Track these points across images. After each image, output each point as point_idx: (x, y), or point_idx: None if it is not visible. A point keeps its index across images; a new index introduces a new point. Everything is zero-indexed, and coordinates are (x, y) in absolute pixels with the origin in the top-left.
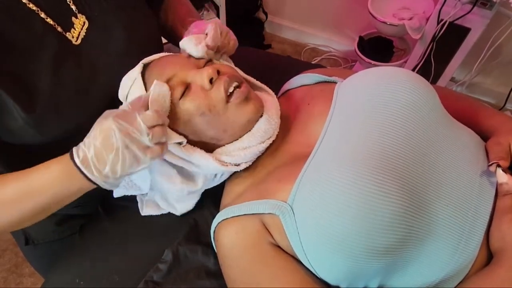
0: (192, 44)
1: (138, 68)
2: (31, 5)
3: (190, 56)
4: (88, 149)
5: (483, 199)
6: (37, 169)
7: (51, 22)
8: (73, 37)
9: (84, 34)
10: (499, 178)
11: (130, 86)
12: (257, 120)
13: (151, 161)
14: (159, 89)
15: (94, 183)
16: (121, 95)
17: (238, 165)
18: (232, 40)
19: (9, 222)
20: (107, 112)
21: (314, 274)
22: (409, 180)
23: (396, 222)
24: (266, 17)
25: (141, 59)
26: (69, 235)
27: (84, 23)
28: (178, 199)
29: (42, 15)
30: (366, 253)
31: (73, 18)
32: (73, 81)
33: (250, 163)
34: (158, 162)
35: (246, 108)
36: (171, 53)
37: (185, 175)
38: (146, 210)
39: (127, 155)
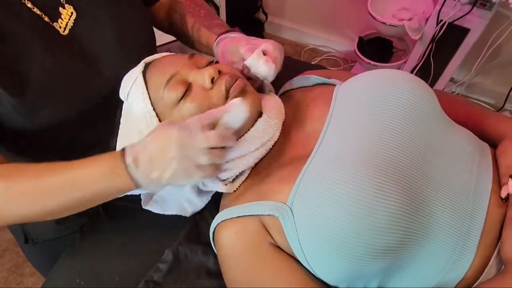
0: (266, 67)
1: (139, 67)
2: None
3: (192, 56)
4: (142, 150)
5: (479, 201)
6: (84, 163)
7: (38, 12)
8: (60, 27)
9: (72, 24)
10: (511, 188)
11: (131, 85)
12: (254, 118)
13: (201, 180)
14: (236, 110)
15: (136, 185)
16: (122, 93)
17: (243, 172)
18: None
19: (43, 211)
20: (168, 121)
21: (313, 275)
22: (408, 181)
23: (395, 224)
24: (266, 18)
25: (130, 51)
26: (69, 234)
27: (71, 13)
28: (189, 203)
29: (29, 4)
30: (365, 255)
31: (61, 9)
32: (63, 70)
33: (253, 165)
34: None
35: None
36: (173, 53)
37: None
38: (150, 207)
39: (179, 167)
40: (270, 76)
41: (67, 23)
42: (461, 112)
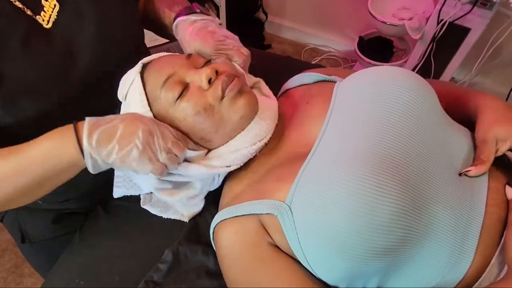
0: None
1: (137, 67)
2: None
3: (189, 56)
4: (105, 122)
5: (476, 200)
6: (39, 139)
7: (20, 5)
8: (43, 20)
9: (55, 17)
10: (508, 194)
11: (129, 85)
12: (250, 118)
13: (146, 172)
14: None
15: (82, 154)
16: (120, 94)
17: (229, 166)
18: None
19: (5, 196)
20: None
21: (312, 274)
22: (408, 180)
23: (396, 223)
24: (266, 17)
25: (110, 44)
26: (66, 233)
27: (54, 5)
28: (183, 207)
29: None
30: (365, 254)
31: (43, 1)
32: (45, 63)
33: (241, 164)
34: (155, 182)
35: (239, 103)
36: (170, 53)
37: (181, 184)
38: (150, 208)
39: (138, 151)
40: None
41: (50, 15)
42: (449, 97)
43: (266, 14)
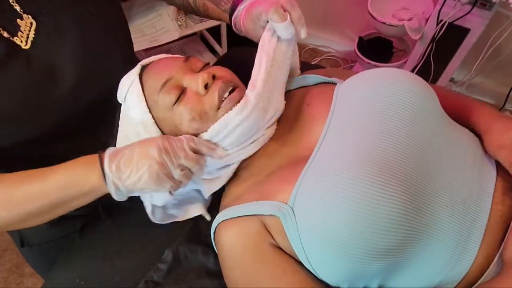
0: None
1: (136, 69)
2: None
3: (187, 58)
4: (123, 149)
5: (482, 200)
6: (62, 165)
7: None
8: (21, 41)
9: (33, 36)
10: None
11: (128, 87)
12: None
13: (167, 190)
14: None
15: (105, 180)
16: (119, 96)
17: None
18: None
19: (23, 217)
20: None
21: (314, 275)
22: (409, 181)
23: (397, 223)
24: None
25: (95, 57)
26: (64, 236)
27: (31, 24)
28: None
29: None
30: (367, 254)
31: (18, 20)
32: (25, 90)
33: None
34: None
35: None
36: (169, 55)
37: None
38: (157, 218)
39: (154, 171)
40: (288, 33)
41: (27, 35)
42: (452, 106)
43: None
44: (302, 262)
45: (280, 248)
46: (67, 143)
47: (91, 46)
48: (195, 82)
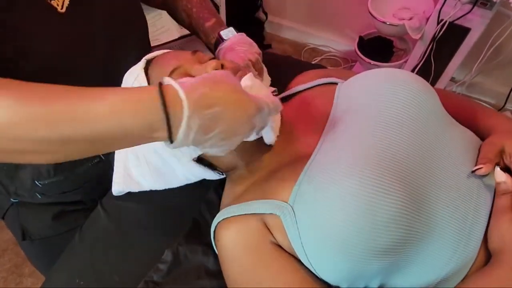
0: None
1: (141, 63)
2: None
3: (194, 52)
4: (213, 107)
5: (482, 200)
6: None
7: None
8: (58, 4)
9: (68, 2)
10: (497, 177)
11: (133, 81)
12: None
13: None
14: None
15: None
16: None
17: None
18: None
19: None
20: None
21: (314, 274)
22: (410, 180)
23: (397, 222)
24: (266, 17)
25: (121, 32)
26: (66, 231)
27: None
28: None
29: None
30: (367, 253)
31: None
32: (67, 42)
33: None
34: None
35: None
36: (174, 50)
37: None
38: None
39: (242, 136)
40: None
41: (63, 1)
42: (456, 108)
43: (266, 14)
44: (302, 261)
45: (281, 247)
46: None
47: (119, 16)
48: (204, 70)
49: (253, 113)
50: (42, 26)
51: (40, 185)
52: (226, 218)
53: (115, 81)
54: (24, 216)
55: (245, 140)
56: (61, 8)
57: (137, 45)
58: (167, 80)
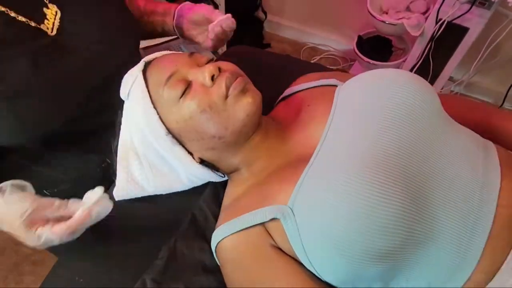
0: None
1: (139, 65)
2: None
3: (191, 54)
4: None
5: (485, 200)
6: None
7: (23, 19)
8: (48, 28)
9: (58, 24)
10: None
11: (132, 83)
12: (256, 115)
13: None
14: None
15: None
16: (122, 93)
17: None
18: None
19: None
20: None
21: (316, 276)
22: (410, 182)
23: (397, 225)
24: (266, 16)
25: (116, 45)
26: None
27: (56, 12)
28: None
29: (13, 14)
30: (366, 256)
31: (44, 9)
32: (56, 72)
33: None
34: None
35: (243, 100)
36: (172, 52)
37: None
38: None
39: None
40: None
41: (53, 23)
42: (463, 110)
43: (265, 13)
44: (303, 262)
45: (281, 250)
46: (79, 124)
47: (111, 32)
48: (201, 74)
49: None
50: (34, 61)
51: (48, 194)
52: (226, 236)
53: (114, 89)
54: None
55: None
56: (51, 32)
57: (129, 58)
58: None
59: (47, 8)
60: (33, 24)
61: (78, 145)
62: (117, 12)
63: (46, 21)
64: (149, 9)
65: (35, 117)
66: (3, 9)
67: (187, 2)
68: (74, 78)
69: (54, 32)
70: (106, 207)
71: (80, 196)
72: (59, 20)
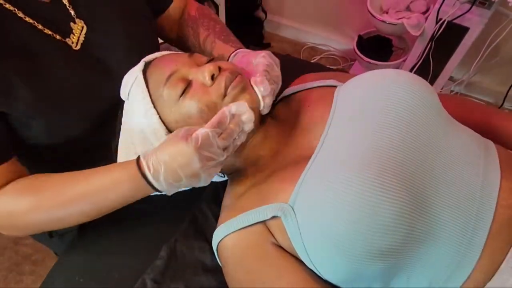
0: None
1: (139, 66)
2: (27, 19)
3: (191, 54)
4: (160, 166)
5: (486, 200)
6: (97, 172)
7: (49, 32)
8: (72, 42)
9: (83, 39)
10: None
11: (132, 84)
12: (257, 115)
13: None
14: (237, 109)
15: (158, 191)
16: (123, 93)
17: None
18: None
19: (76, 219)
20: (183, 131)
21: (316, 274)
22: (411, 181)
23: (397, 224)
24: (266, 16)
25: (139, 58)
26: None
27: (82, 27)
28: None
29: (40, 27)
30: (367, 255)
31: (72, 24)
32: (75, 85)
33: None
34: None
35: (242, 99)
36: (173, 52)
37: None
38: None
39: (202, 177)
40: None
41: (78, 37)
42: (464, 110)
43: (265, 12)
44: (304, 261)
45: (282, 248)
46: (103, 133)
47: (137, 47)
48: (201, 74)
49: (191, 153)
50: (58, 67)
51: None
52: (228, 234)
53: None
54: None
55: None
56: (76, 46)
57: None
58: (142, 157)
59: (74, 23)
60: (58, 37)
61: (93, 153)
62: (144, 26)
63: (72, 35)
64: (208, 51)
65: (60, 121)
66: (31, 21)
67: (243, 51)
68: (98, 88)
69: (79, 46)
70: (241, 104)
71: None
72: (84, 35)
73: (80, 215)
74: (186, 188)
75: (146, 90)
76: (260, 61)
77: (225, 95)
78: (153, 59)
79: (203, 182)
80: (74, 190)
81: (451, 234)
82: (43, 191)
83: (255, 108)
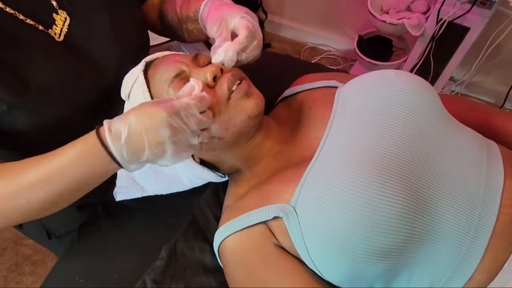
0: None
1: (140, 66)
2: (8, 9)
3: (196, 56)
4: (124, 128)
5: (489, 200)
6: (62, 149)
7: (31, 22)
8: (55, 33)
9: (66, 30)
10: None
11: (132, 84)
12: (258, 118)
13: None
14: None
15: (118, 163)
16: (123, 94)
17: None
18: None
19: (38, 205)
20: (155, 100)
21: (318, 275)
22: (412, 181)
23: (399, 223)
24: (266, 16)
25: (128, 51)
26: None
27: (65, 19)
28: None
29: (21, 16)
30: (368, 255)
31: (54, 15)
32: (62, 75)
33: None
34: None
35: (247, 103)
36: (174, 52)
37: None
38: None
39: (172, 148)
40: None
41: (61, 29)
42: (464, 110)
43: (265, 13)
44: (305, 261)
45: (283, 249)
46: (90, 125)
47: (120, 40)
48: (203, 75)
49: (163, 117)
50: (43, 58)
51: None
52: (229, 235)
53: (112, 99)
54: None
55: (192, 143)
56: (59, 37)
57: (137, 60)
58: (105, 121)
59: (57, 14)
60: (40, 28)
61: None
62: (129, 15)
63: (54, 26)
64: (184, 15)
65: (42, 113)
66: (11, 11)
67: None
68: (82, 79)
69: (62, 38)
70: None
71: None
72: (67, 27)
73: (40, 201)
74: (181, 190)
75: (147, 90)
76: (240, 23)
77: (229, 98)
78: (155, 59)
79: (167, 159)
80: (29, 174)
81: (453, 234)
82: (10, 175)
83: (261, 112)
